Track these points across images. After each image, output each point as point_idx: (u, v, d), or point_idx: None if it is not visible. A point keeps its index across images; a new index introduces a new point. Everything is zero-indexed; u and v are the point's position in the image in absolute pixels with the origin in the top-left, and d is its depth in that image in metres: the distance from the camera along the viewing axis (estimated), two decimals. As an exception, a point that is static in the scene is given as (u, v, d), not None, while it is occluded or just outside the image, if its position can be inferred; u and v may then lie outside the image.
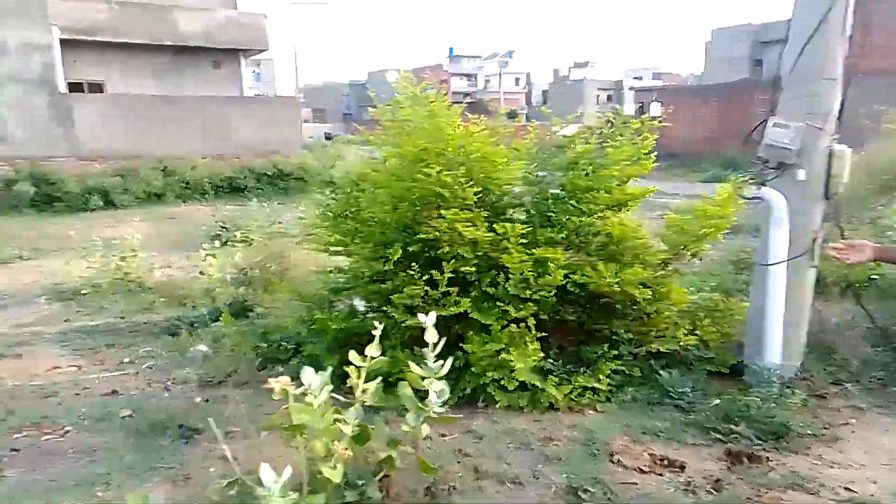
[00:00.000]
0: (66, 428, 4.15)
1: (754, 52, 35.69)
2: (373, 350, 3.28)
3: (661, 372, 4.05)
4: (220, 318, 6.96)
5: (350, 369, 3.20)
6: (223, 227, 14.80)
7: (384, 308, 4.36)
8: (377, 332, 3.36)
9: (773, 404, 3.64)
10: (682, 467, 3.34)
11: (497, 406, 3.90)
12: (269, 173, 21.17)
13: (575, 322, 4.36)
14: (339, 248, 5.00)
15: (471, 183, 4.01)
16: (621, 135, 4.58)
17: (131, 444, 3.85)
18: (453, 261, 4.01)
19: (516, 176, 4.34)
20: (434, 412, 2.97)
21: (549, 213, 4.55)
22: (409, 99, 4.38)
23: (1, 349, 6.75)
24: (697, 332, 4.33)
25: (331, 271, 5.13)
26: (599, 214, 4.42)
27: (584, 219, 4.34)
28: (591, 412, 3.89)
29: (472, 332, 4.09)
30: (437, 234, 4.04)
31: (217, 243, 10.56)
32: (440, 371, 2.98)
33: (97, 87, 20.36)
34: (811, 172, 3.77)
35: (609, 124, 4.64)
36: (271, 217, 15.44)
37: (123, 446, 3.82)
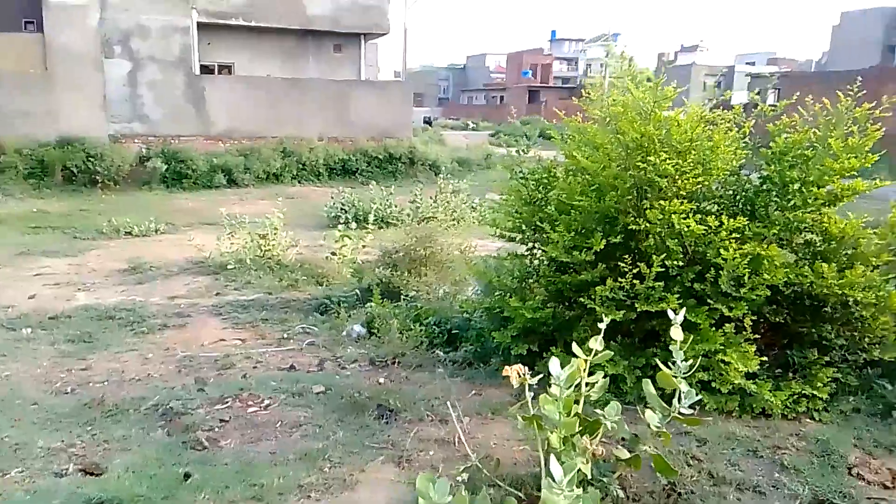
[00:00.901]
0: (266, 401, 4.29)
1: (887, 36, 33.17)
2: (596, 343, 3.19)
3: (886, 384, 3.77)
4: (371, 299, 7.09)
5: (578, 362, 3.13)
6: (342, 209, 15.21)
7: (576, 300, 4.27)
8: (603, 325, 3.26)
9: None
10: (925, 487, 3.10)
11: (706, 409, 3.74)
12: (380, 157, 21.53)
13: (779, 324, 4.12)
14: (519, 235, 4.94)
15: (694, 172, 3.83)
16: (837, 126, 4.26)
17: (335, 419, 3.93)
18: (663, 255, 3.86)
19: (734, 166, 4.13)
20: (680, 413, 2.86)
21: (751, 207, 4.32)
22: (629, 82, 4.22)
23: (163, 319, 7.11)
24: (916, 340, 3.99)
25: (507, 258, 5.08)
26: (812, 209, 4.14)
27: (796, 213, 4.08)
28: (808, 421, 3.67)
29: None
30: (648, 225, 3.90)
31: (354, 225, 10.79)
32: (688, 371, 2.86)
33: (226, 70, 21.26)
34: None
35: (824, 111, 4.33)
36: (388, 200, 15.68)
37: (328, 422, 3.90)
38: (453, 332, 5.73)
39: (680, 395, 2.85)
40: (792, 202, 4.19)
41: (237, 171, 18.81)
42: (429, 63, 76.40)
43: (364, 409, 4.04)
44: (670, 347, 3.67)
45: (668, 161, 3.74)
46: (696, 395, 3.46)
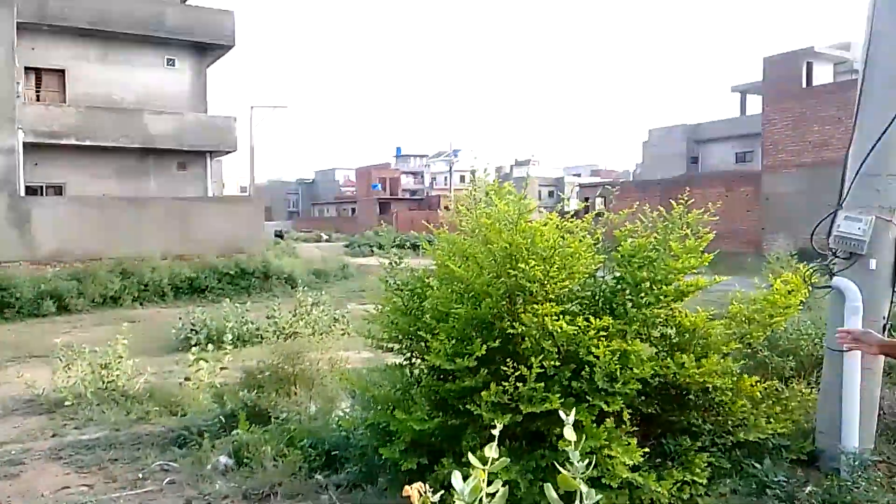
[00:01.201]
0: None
1: (690, 149, 38.13)
2: (492, 451, 3.18)
3: (755, 463, 4.07)
4: (237, 426, 6.64)
5: (478, 473, 3.09)
6: (193, 330, 14.40)
7: (461, 407, 4.27)
8: (497, 431, 3.27)
9: (875, 488, 3.68)
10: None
11: (598, 505, 3.79)
12: (232, 272, 20.83)
13: (651, 415, 4.36)
14: (396, 346, 4.93)
15: (560, 276, 4.07)
16: (673, 230, 4.77)
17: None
18: (541, 356, 4.00)
19: (593, 270, 4.44)
20: (583, 514, 2.89)
21: (610, 306, 4.63)
22: (493, 195, 4.47)
23: (-8, 469, 6.18)
24: (772, 419, 4.37)
25: (387, 369, 5.02)
26: (663, 305, 4.51)
27: (651, 309, 4.42)
28: (692, 507, 3.84)
29: (558, 429, 4.02)
30: (524, 328, 4.04)
31: (209, 346, 10.17)
32: (585, 472, 2.92)
33: (57, 190, 19.95)
34: (880, 261, 4.02)
35: (662, 219, 4.83)
36: (244, 317, 15.09)
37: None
38: (332, 452, 5.46)
39: (581, 496, 2.89)
40: (645, 299, 4.55)
41: (69, 296, 17.29)
42: (277, 177, 76.59)
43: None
44: (565, 448, 3.72)
45: (536, 267, 3.97)
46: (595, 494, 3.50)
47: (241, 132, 23.60)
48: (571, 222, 4.64)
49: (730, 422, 4.32)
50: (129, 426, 7.55)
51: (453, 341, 4.15)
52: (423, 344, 4.63)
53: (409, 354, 5.01)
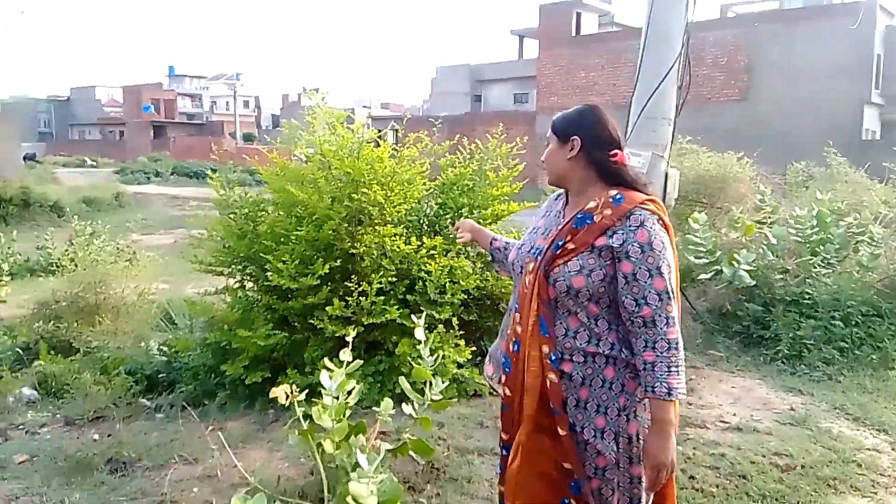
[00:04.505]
0: (-47, 486, 3.59)
1: (473, 88, 39.98)
2: (347, 355, 3.54)
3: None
4: (38, 358, 6.26)
5: (333, 374, 3.42)
6: (-57, 264, 12.80)
7: (303, 323, 4.55)
8: (350, 338, 3.61)
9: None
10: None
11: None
12: (-18, 200, 18.35)
13: (472, 321, 4.98)
14: (227, 269, 5.01)
15: (398, 200, 4.43)
16: (487, 161, 5.37)
17: (60, 484, 3.51)
18: (380, 273, 4.38)
19: (423, 194, 4.86)
20: (433, 399, 3.38)
21: (434, 228, 5.14)
22: (330, 125, 4.64)
23: None
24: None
25: (219, 291, 5.08)
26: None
27: (472, 231, 4.99)
28: (506, 394, 4.53)
29: (395, 337, 4.49)
30: (364, 248, 4.38)
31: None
32: (435, 365, 3.40)
33: None
34: (654, 189, 4.91)
35: (479, 151, 5.39)
36: (8, 248, 13.69)
37: (52, 489, 3.46)
38: (157, 376, 5.43)
39: (431, 385, 3.38)
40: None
41: None
42: (22, 94, 66.41)
43: (91, 467, 3.68)
44: (402, 353, 4.24)
45: (377, 192, 4.29)
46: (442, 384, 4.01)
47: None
48: (403, 151, 4.99)
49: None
50: None
51: (295, 262, 4.36)
52: (259, 266, 4.77)
53: (240, 278, 5.11)
